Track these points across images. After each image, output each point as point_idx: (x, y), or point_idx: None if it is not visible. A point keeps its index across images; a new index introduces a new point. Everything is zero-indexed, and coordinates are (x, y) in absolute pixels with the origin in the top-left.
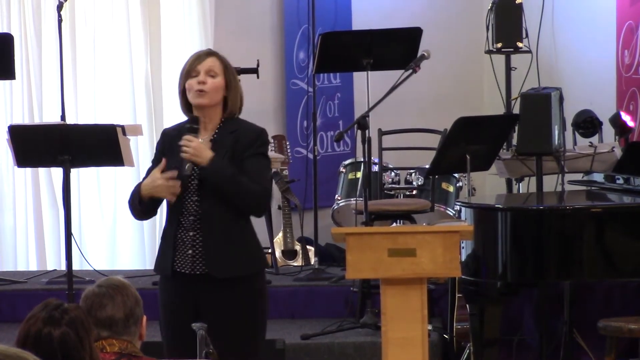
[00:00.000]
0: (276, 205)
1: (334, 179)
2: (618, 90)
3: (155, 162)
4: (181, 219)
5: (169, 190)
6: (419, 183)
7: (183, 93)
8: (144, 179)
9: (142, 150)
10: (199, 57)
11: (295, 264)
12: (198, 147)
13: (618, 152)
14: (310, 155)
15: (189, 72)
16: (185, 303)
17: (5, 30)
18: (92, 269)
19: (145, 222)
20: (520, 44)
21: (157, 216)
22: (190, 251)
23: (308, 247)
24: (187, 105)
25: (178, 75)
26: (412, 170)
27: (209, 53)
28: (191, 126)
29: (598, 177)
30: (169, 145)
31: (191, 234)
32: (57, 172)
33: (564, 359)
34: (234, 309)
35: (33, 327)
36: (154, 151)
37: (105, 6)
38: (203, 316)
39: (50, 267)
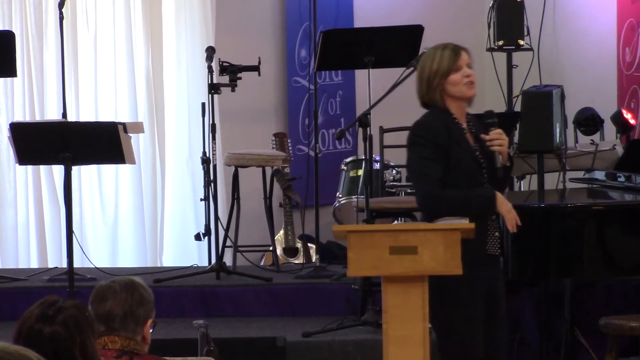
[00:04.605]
0: (277, 202)
1: (336, 177)
2: (619, 88)
3: (436, 155)
4: None
5: (512, 222)
6: None
7: (431, 89)
8: (429, 176)
9: (143, 147)
10: (457, 53)
11: (296, 261)
12: (506, 141)
13: (619, 150)
14: (312, 153)
15: (449, 69)
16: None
17: (6, 28)
18: (93, 266)
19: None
20: (521, 42)
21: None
22: (497, 233)
23: (309, 244)
24: (426, 102)
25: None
26: None
27: (460, 48)
28: (493, 121)
29: (599, 174)
30: (450, 138)
31: (493, 217)
32: (59, 170)
33: (565, 357)
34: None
35: (26, 323)
36: (424, 145)
37: (107, 4)
38: (492, 295)
39: (51, 265)
